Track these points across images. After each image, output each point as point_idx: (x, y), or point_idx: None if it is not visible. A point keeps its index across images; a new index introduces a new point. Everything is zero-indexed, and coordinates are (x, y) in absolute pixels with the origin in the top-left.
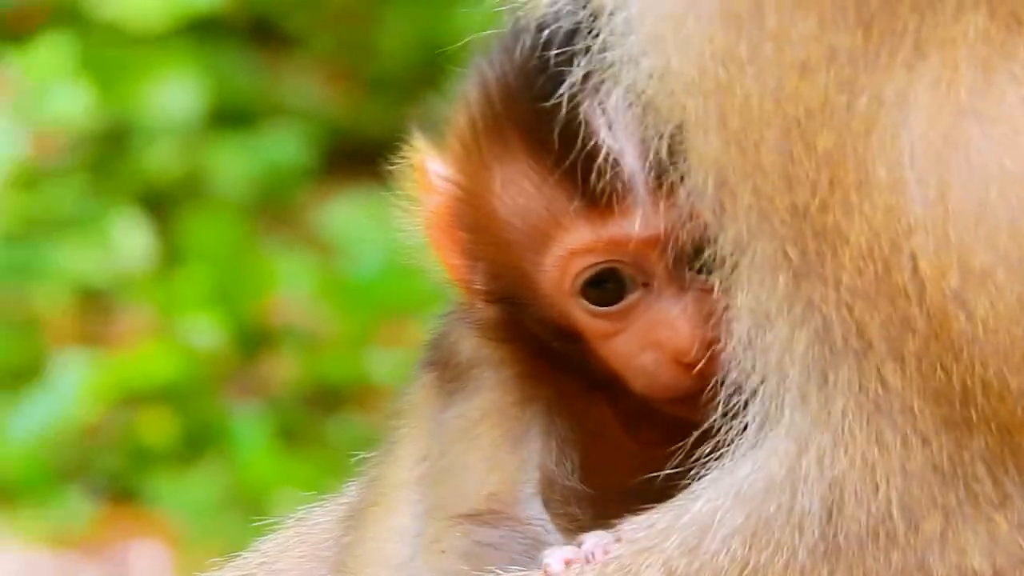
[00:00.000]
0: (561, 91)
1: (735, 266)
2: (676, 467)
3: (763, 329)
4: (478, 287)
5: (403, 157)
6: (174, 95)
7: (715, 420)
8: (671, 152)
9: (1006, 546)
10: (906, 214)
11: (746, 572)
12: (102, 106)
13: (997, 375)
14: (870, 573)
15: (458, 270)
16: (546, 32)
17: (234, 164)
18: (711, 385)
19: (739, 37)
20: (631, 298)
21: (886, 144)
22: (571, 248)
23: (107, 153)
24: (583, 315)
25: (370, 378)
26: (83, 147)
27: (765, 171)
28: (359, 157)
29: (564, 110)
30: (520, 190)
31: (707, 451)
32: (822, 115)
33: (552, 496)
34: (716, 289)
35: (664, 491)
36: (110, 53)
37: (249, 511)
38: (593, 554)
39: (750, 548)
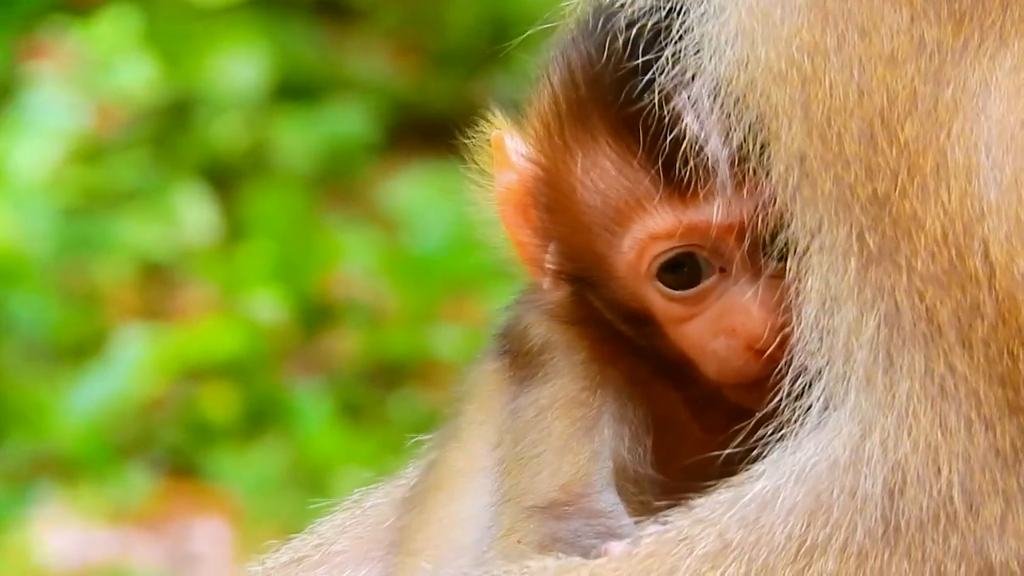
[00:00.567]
0: (646, 76)
1: (807, 251)
2: (739, 449)
3: (831, 312)
4: (549, 266)
5: (479, 132)
6: (238, 68)
7: (779, 403)
8: (753, 140)
9: None
10: (980, 199)
11: (803, 549)
12: (166, 79)
13: None
14: (929, 556)
15: (529, 248)
16: (631, 15)
17: (298, 138)
18: (777, 371)
19: (826, 29)
20: (706, 283)
21: (965, 130)
22: (651, 231)
23: (171, 126)
24: (658, 298)
25: (432, 354)
26: (147, 120)
27: (847, 160)
28: (423, 132)
29: (649, 95)
30: (602, 172)
31: (769, 433)
32: (907, 105)
33: (625, 483)
34: (788, 275)
35: (727, 475)
36: (175, 26)
37: (310, 487)
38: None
39: (808, 526)
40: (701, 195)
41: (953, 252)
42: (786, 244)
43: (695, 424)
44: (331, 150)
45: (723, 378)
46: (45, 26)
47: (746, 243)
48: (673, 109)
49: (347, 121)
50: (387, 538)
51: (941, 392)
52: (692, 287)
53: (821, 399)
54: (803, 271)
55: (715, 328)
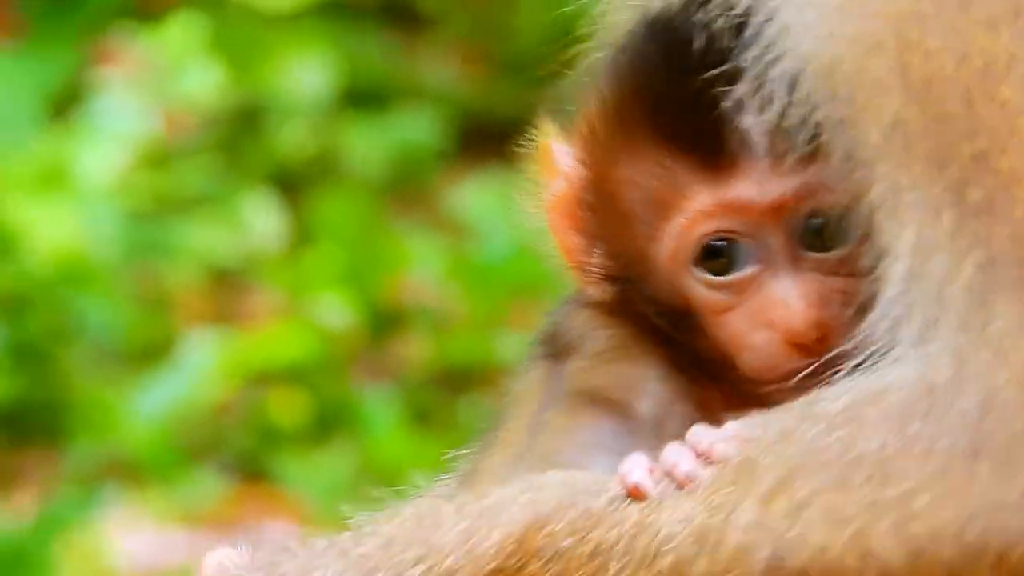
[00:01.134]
0: (690, 61)
1: (896, 208)
2: None
3: (923, 262)
4: (594, 270)
5: (530, 140)
6: (307, 74)
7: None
8: (824, 118)
9: None
10: None
11: (883, 455)
12: (234, 85)
13: None
14: (1010, 475)
15: (576, 254)
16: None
17: (366, 145)
18: (817, 370)
19: None
20: (748, 271)
21: None
22: (692, 214)
23: (239, 132)
24: (698, 288)
25: (498, 359)
26: (215, 126)
27: (946, 122)
28: (491, 139)
29: (693, 82)
30: (645, 167)
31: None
32: (1005, 67)
33: (662, 413)
34: (840, 266)
35: None
36: (243, 32)
37: (377, 492)
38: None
39: (890, 434)
40: (742, 177)
41: None
42: (830, 235)
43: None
44: (398, 156)
45: (761, 373)
46: (114, 31)
47: (789, 231)
48: (716, 93)
49: (415, 128)
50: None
51: None
52: (732, 274)
53: (904, 340)
54: (889, 227)
55: (755, 320)
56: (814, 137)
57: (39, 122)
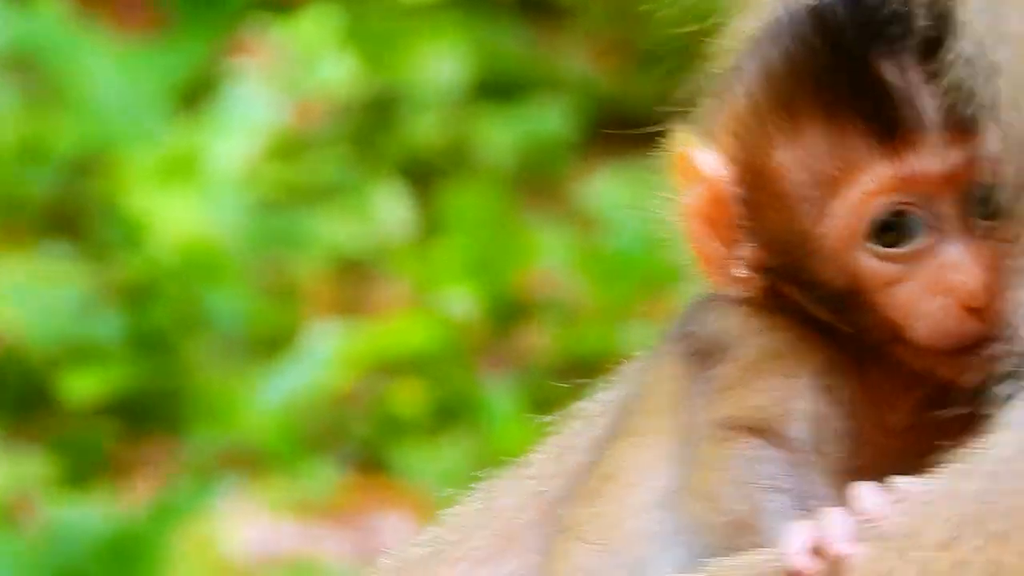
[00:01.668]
0: (858, 35)
1: None
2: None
3: None
4: (742, 269)
5: (666, 147)
6: (440, 66)
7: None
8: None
9: None
10: None
11: None
12: (367, 76)
13: None
14: None
15: (718, 261)
16: None
17: (498, 136)
18: (989, 347)
19: None
20: (922, 241)
21: None
22: (866, 189)
23: (371, 123)
24: (869, 263)
25: (624, 351)
26: (347, 117)
27: None
28: (624, 130)
29: (863, 55)
30: (809, 148)
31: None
32: None
33: (820, 438)
34: (1009, 236)
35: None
36: (377, 23)
37: None
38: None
39: None
40: (915, 148)
41: None
42: (999, 203)
43: (882, 426)
44: (530, 148)
45: (935, 342)
46: (248, 23)
47: (963, 199)
48: (882, 63)
49: (547, 119)
50: (527, 534)
51: None
52: (905, 245)
53: None
54: None
55: (930, 287)
56: (984, 106)
57: (172, 113)
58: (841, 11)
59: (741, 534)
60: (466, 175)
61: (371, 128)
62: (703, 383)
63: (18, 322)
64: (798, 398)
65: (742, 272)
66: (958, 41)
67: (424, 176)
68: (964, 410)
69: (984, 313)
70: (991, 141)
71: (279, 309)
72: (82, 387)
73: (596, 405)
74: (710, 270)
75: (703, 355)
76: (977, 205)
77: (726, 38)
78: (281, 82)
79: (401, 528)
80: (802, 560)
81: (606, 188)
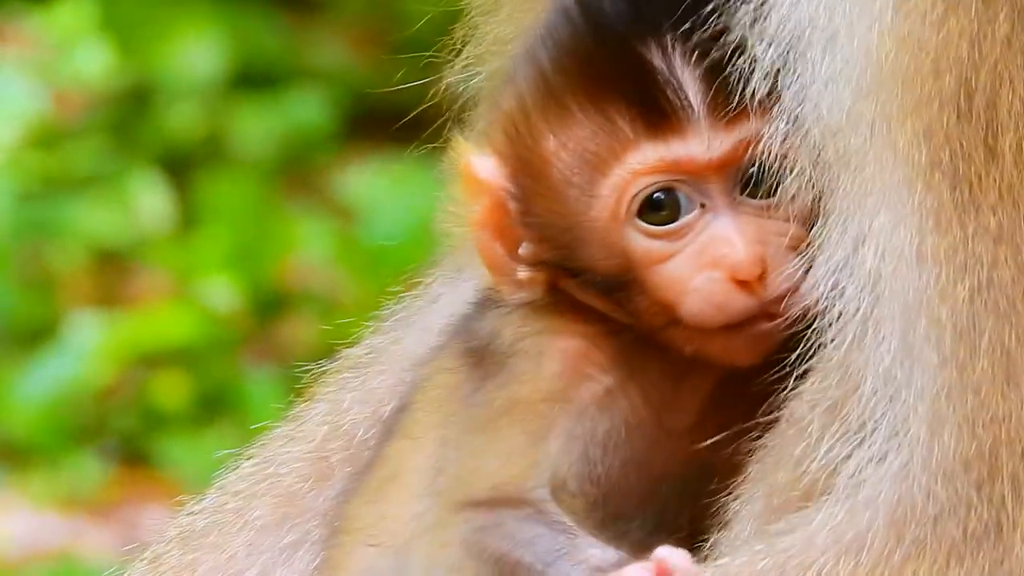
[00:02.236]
0: (626, 22)
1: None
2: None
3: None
4: (523, 269)
5: (449, 157)
6: (197, 56)
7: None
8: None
9: None
10: None
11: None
12: (124, 66)
13: None
14: None
15: (505, 267)
16: None
17: (256, 126)
18: (763, 325)
19: None
20: (688, 217)
21: None
22: (630, 168)
23: (128, 113)
24: (638, 240)
25: None
26: (104, 107)
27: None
28: (381, 122)
29: (631, 41)
30: (578, 134)
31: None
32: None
33: (559, 494)
34: (778, 212)
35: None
36: (133, 13)
37: None
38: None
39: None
40: (681, 132)
41: None
42: (769, 183)
43: (661, 430)
44: (289, 139)
45: (706, 319)
46: (4, 12)
47: (729, 178)
48: (647, 51)
49: (305, 110)
50: (309, 507)
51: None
52: (673, 221)
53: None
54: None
55: (697, 262)
56: (757, 91)
57: None
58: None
59: None
60: (224, 166)
61: (128, 118)
62: (474, 383)
63: None
64: (537, 476)
65: (524, 274)
66: (735, 30)
67: (182, 167)
68: (751, 404)
69: (753, 287)
70: (764, 123)
71: (39, 300)
72: None
73: (364, 351)
74: (496, 275)
75: (476, 355)
76: (747, 183)
77: (480, 31)
78: (38, 72)
79: (164, 520)
80: None
81: (364, 179)
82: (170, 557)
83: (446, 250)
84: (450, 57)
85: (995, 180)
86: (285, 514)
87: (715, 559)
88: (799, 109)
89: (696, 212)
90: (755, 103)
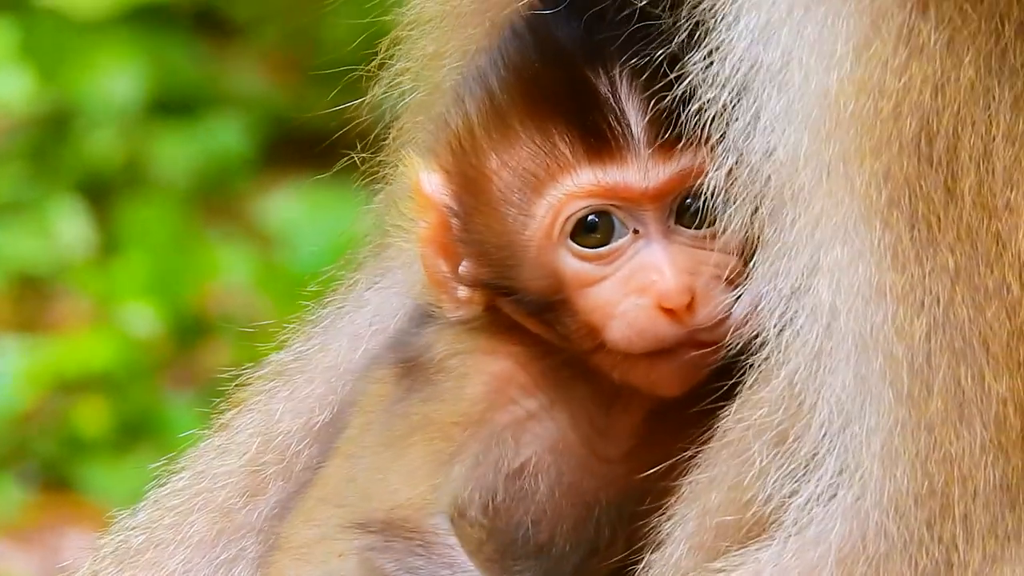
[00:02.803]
0: (572, 47)
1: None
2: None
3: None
4: (462, 293)
5: (398, 174)
6: (116, 82)
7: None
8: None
9: None
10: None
11: None
12: (43, 92)
13: None
14: None
15: (447, 283)
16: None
17: (175, 152)
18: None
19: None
20: (620, 242)
21: None
22: (566, 190)
23: (47, 139)
24: (569, 262)
25: None
26: (23, 132)
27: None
28: (300, 147)
29: (574, 66)
30: (519, 153)
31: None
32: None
33: (459, 520)
34: (712, 243)
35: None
36: (52, 39)
37: None
38: None
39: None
40: (619, 157)
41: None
42: (704, 213)
43: (591, 453)
44: (208, 165)
45: (631, 344)
46: None
47: (662, 207)
48: (591, 78)
49: (224, 136)
50: (244, 523)
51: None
52: (605, 245)
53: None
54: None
55: (625, 288)
56: (700, 124)
57: None
58: (557, 24)
59: None
60: (144, 191)
61: (48, 144)
62: (399, 394)
63: None
64: (437, 501)
65: (464, 292)
66: (685, 64)
67: (102, 192)
68: (687, 433)
69: (680, 316)
70: (705, 156)
71: None
72: None
73: (291, 357)
74: (437, 291)
75: (406, 367)
76: (684, 213)
77: (408, 48)
78: None
79: (86, 546)
80: None
81: (283, 205)
82: (107, 574)
83: (369, 253)
84: (370, 80)
85: (954, 220)
86: (221, 530)
87: None
88: (746, 144)
89: (628, 237)
90: (697, 135)
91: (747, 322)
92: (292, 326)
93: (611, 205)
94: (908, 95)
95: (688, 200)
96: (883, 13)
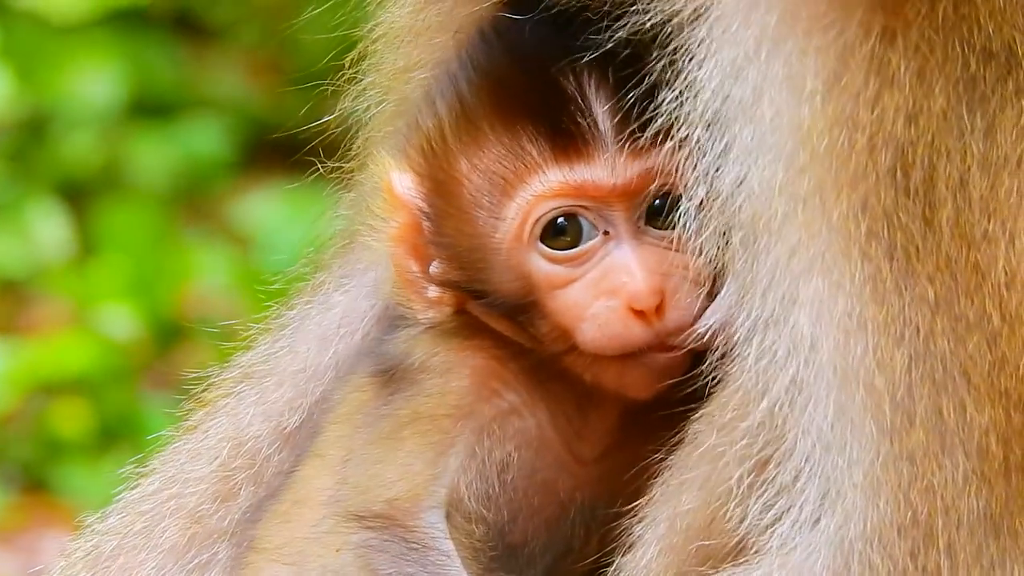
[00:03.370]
0: (542, 49)
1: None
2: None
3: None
4: (433, 295)
5: (370, 173)
6: (94, 85)
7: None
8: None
9: None
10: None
11: None
12: (21, 95)
13: None
14: None
15: (417, 285)
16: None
17: (153, 155)
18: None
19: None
20: (590, 243)
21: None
22: (535, 192)
23: (26, 142)
24: (539, 264)
25: None
26: (1, 135)
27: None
28: (278, 150)
29: (544, 67)
30: (489, 156)
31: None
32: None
33: (455, 514)
34: (681, 244)
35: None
36: (31, 42)
37: None
38: None
39: None
40: (588, 159)
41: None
42: (673, 214)
43: (568, 454)
44: (186, 167)
45: (602, 346)
46: None
47: (631, 207)
48: (560, 79)
49: (202, 139)
50: (216, 528)
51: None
52: (575, 247)
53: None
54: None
55: (596, 290)
56: (665, 122)
57: None
58: (523, 26)
59: None
60: (122, 194)
61: (26, 147)
62: (382, 399)
63: None
64: (433, 491)
65: (434, 293)
66: (655, 62)
67: (80, 195)
68: (662, 437)
69: (650, 318)
70: (675, 156)
71: None
72: None
73: (259, 359)
74: (407, 292)
75: (386, 375)
76: (653, 213)
77: (382, 59)
78: None
79: (64, 548)
80: None
81: (261, 208)
82: None
83: (335, 254)
84: (346, 84)
85: (933, 251)
86: (192, 535)
87: None
88: (717, 175)
89: (598, 239)
90: (665, 134)
91: (717, 329)
92: (259, 327)
93: (580, 206)
94: (882, 126)
95: (657, 201)
96: (848, 47)
